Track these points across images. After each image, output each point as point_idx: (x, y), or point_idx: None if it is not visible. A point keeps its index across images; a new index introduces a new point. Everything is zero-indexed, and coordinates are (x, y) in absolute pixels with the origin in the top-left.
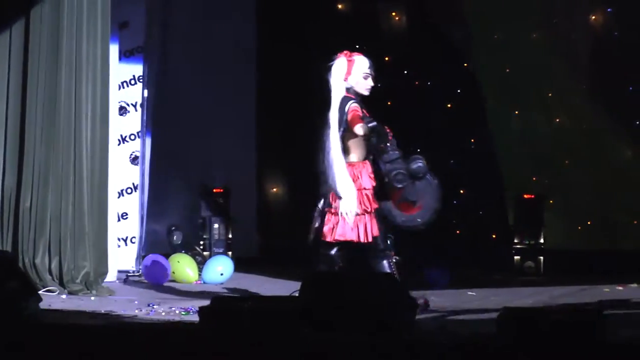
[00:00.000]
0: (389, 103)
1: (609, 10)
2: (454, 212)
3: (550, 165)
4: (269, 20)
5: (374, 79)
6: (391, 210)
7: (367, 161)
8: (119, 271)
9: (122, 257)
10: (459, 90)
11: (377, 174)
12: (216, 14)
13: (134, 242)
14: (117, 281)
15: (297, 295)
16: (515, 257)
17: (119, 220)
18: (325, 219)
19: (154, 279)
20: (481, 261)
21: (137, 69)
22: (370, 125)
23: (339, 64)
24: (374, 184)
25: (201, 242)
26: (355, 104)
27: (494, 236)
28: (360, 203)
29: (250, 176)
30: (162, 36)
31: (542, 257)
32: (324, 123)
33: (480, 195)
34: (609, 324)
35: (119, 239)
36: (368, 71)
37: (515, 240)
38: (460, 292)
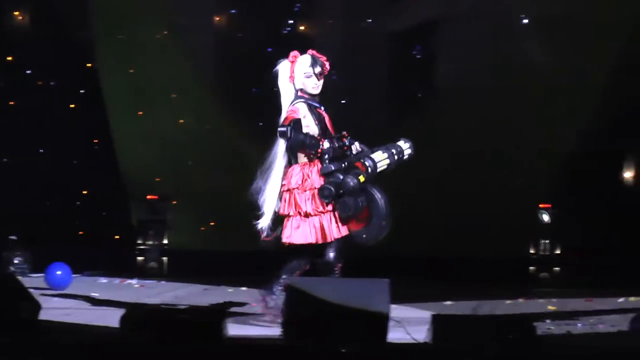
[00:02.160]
0: (10, 103)
1: (233, 11)
2: (77, 213)
3: (174, 166)
4: None
5: (321, 76)
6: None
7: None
8: None
9: None
10: (82, 91)
11: None
12: None
13: None
14: None
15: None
16: (139, 258)
17: None
18: (285, 223)
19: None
20: (104, 262)
21: None
22: (280, 129)
23: (283, 68)
24: None
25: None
26: (297, 105)
27: (117, 237)
28: (312, 203)
29: None
30: None
31: (166, 258)
32: None
33: (104, 196)
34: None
35: None
36: (309, 70)
37: (139, 241)
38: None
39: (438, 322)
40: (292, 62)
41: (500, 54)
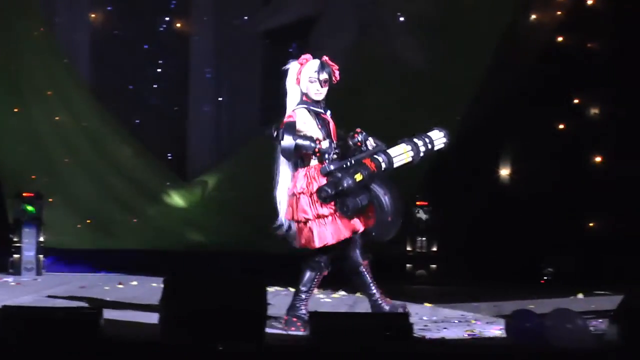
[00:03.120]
0: None
1: (109, 8)
2: None
3: (51, 163)
4: None
5: (326, 83)
6: None
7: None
8: None
9: None
10: None
11: None
12: None
13: None
14: None
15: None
16: (15, 256)
17: None
18: (296, 228)
19: None
20: None
21: None
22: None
23: (292, 69)
24: None
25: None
26: (298, 110)
27: None
28: (319, 205)
29: None
30: None
31: (42, 255)
32: None
33: None
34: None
35: None
36: (314, 75)
37: (15, 239)
38: None
39: (315, 319)
40: (301, 64)
41: (376, 51)
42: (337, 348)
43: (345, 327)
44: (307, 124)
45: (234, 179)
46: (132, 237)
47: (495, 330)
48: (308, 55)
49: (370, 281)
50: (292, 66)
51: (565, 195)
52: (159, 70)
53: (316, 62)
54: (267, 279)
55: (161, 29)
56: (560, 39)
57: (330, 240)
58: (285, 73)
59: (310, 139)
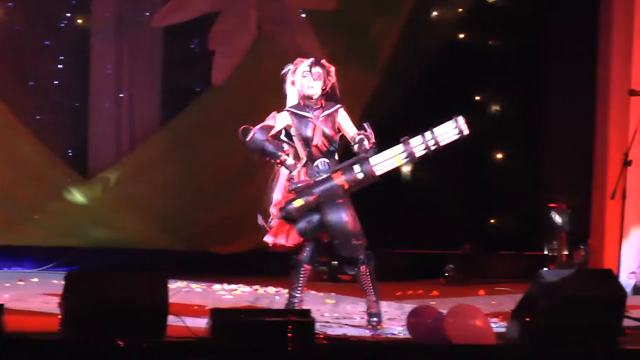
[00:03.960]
0: None
1: (10, 4)
2: None
3: None
4: None
5: (319, 77)
6: None
7: (305, 166)
8: None
9: None
10: None
11: None
12: None
13: None
14: None
15: None
16: None
17: None
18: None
19: None
20: None
21: None
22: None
23: (288, 72)
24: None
25: None
26: (280, 114)
27: None
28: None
29: None
30: None
31: None
32: None
33: None
34: None
35: None
36: (307, 69)
37: None
38: None
39: (216, 315)
40: (296, 65)
41: (277, 48)
42: (237, 344)
43: (245, 323)
44: (289, 128)
45: (134, 175)
46: (33, 233)
47: (397, 327)
48: (302, 59)
49: (365, 287)
50: (288, 69)
51: (466, 192)
52: (60, 66)
53: (310, 60)
54: (169, 274)
55: (62, 25)
56: (461, 35)
57: (286, 242)
58: (283, 78)
59: (279, 147)
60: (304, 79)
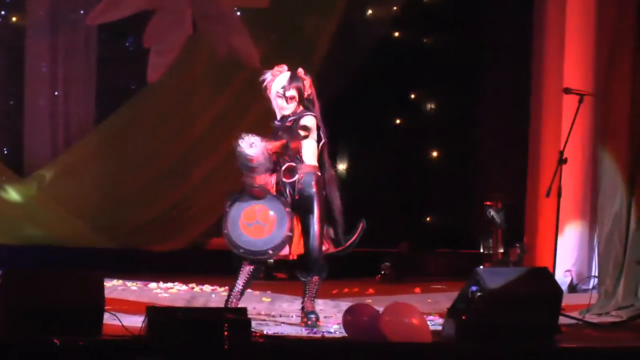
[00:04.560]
0: None
1: None
2: None
3: None
4: None
5: (292, 100)
6: None
7: (274, 174)
8: None
9: None
10: None
11: None
12: None
13: None
14: None
15: None
16: None
17: None
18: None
19: None
20: None
21: None
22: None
23: (266, 78)
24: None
25: None
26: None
27: None
28: None
29: None
30: None
31: None
32: None
33: None
34: None
35: None
36: (281, 91)
37: None
38: None
39: (152, 314)
40: (274, 76)
41: (211, 46)
42: (173, 342)
43: (182, 321)
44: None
45: (69, 173)
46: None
47: (333, 325)
48: (283, 67)
49: (309, 292)
50: (266, 78)
51: (402, 190)
52: None
53: (285, 77)
54: (105, 273)
55: None
56: (396, 34)
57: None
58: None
59: (251, 163)
60: (278, 99)
